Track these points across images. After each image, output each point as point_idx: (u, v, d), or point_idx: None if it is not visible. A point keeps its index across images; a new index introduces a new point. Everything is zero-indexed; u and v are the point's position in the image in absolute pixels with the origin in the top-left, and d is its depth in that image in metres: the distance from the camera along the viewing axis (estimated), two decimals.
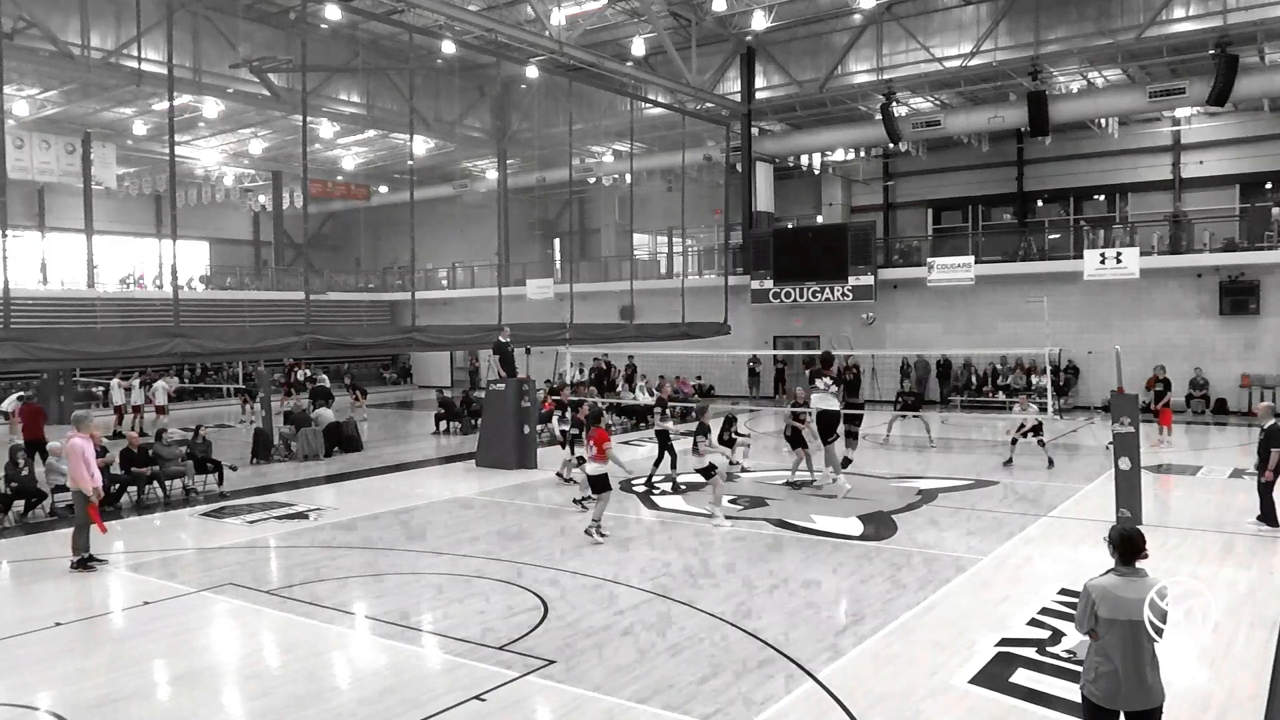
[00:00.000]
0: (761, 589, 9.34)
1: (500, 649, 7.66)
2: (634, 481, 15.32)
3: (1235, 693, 6.71)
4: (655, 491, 14.84)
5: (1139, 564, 4.77)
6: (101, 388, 29.27)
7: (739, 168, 31.78)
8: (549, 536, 11.94)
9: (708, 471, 12.73)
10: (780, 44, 30.68)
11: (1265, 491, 11.48)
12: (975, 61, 26.83)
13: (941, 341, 28.27)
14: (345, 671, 7.49)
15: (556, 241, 42.46)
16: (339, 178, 41.42)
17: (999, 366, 27.92)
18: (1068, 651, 7.29)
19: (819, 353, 15.46)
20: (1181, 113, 27.84)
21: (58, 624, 8.54)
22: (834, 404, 14.20)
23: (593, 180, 37.39)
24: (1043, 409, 17.52)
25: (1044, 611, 8.46)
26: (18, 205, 33.66)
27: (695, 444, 12.81)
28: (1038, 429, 16.92)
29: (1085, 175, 30.12)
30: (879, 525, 12.26)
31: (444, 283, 40.58)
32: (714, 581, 9.63)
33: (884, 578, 9.72)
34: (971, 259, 27.51)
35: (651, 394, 24.57)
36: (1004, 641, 7.69)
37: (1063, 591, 8.97)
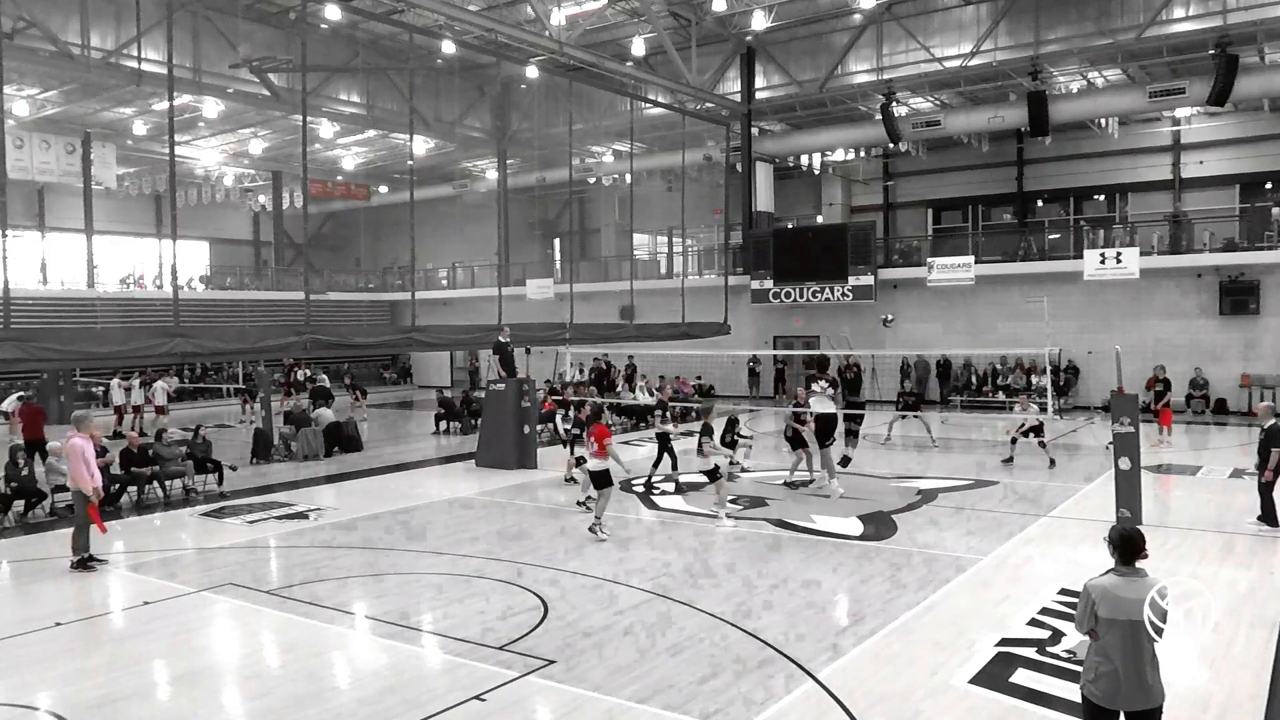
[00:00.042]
0: (761, 589, 9.34)
1: (500, 649, 7.66)
2: (634, 481, 15.32)
3: (1235, 693, 6.71)
4: (655, 492, 14.84)
5: (1139, 564, 4.77)
6: (101, 388, 29.27)
7: (739, 168, 31.79)
8: (549, 536, 11.94)
9: (713, 474, 12.75)
10: (780, 44, 30.69)
11: (1265, 491, 11.48)
12: (975, 61, 26.84)
13: (941, 341, 28.28)
14: (345, 671, 7.49)
15: (556, 241, 42.47)
16: (339, 178, 41.42)
17: (999, 366, 27.92)
18: (1068, 651, 7.29)
19: (816, 353, 15.47)
20: (1181, 113, 27.84)
21: (58, 624, 8.54)
22: (831, 406, 14.22)
23: (593, 180, 37.39)
24: (1043, 409, 17.53)
25: (1044, 611, 8.46)
26: (18, 205, 33.67)
27: (700, 445, 12.82)
28: (1038, 429, 16.93)
29: (1085, 175, 30.12)
30: (879, 525, 12.26)
31: (444, 283, 40.59)
32: (714, 581, 9.64)
33: (884, 578, 9.72)
34: (971, 259, 27.51)
35: (651, 394, 24.56)
36: (1004, 641, 7.70)
37: (1063, 591, 8.97)
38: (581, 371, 27.23)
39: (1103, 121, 28.22)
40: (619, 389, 26.63)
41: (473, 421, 22.52)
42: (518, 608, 8.81)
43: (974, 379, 28.44)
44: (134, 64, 23.76)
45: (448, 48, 24.38)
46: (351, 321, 39.15)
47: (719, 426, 13.61)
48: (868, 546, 11.16)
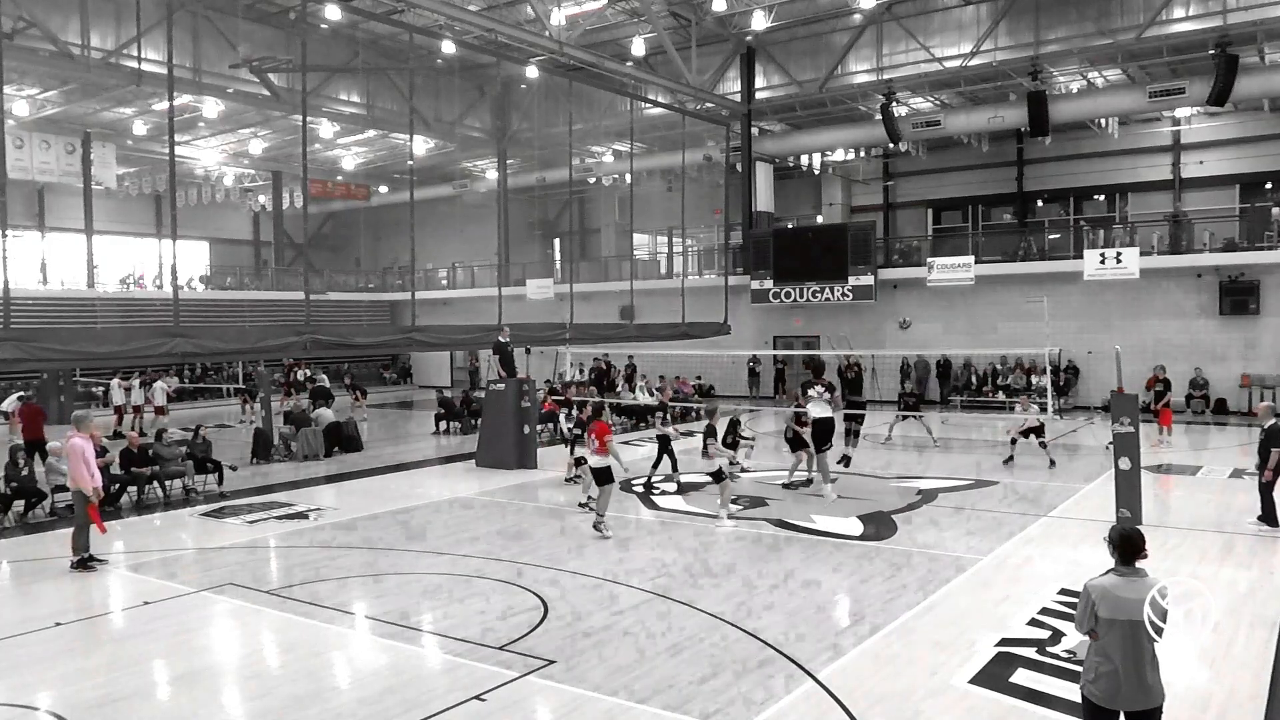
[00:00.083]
0: (761, 589, 9.34)
1: (500, 649, 7.66)
2: (634, 482, 15.32)
3: (1235, 693, 6.71)
4: (655, 492, 14.84)
5: (1139, 564, 4.77)
6: (101, 388, 29.27)
7: (739, 168, 31.78)
8: (549, 536, 11.94)
9: (718, 475, 12.77)
10: (780, 44, 30.69)
11: (1265, 491, 11.48)
12: (975, 61, 26.84)
13: (941, 341, 28.28)
14: (345, 671, 7.49)
15: (556, 241, 42.47)
16: (339, 178, 41.43)
17: (999, 366, 27.92)
18: (1068, 651, 7.29)
19: (814, 353, 15.48)
20: (1181, 113, 27.84)
21: (58, 624, 8.54)
22: (828, 411, 14.23)
23: (593, 180, 37.39)
24: (1043, 409, 17.53)
25: (1044, 611, 8.46)
26: (18, 205, 33.68)
27: (705, 446, 12.84)
28: (1039, 430, 16.93)
29: (1085, 175, 30.12)
30: (879, 525, 12.26)
31: (444, 283, 40.59)
32: (714, 581, 9.64)
33: (884, 578, 9.72)
34: (971, 259, 27.51)
35: (651, 394, 24.55)
36: (1004, 641, 7.70)
37: (1063, 591, 8.97)
38: (581, 371, 27.24)
39: (1103, 121, 28.22)
40: (619, 389, 26.64)
41: (473, 421, 22.51)
42: (518, 608, 8.81)
43: (974, 379, 28.44)
44: (134, 64, 23.75)
45: (448, 48, 24.38)
46: (351, 321, 39.15)
47: (722, 427, 13.63)
48: (868, 546, 11.16)
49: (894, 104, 28.42)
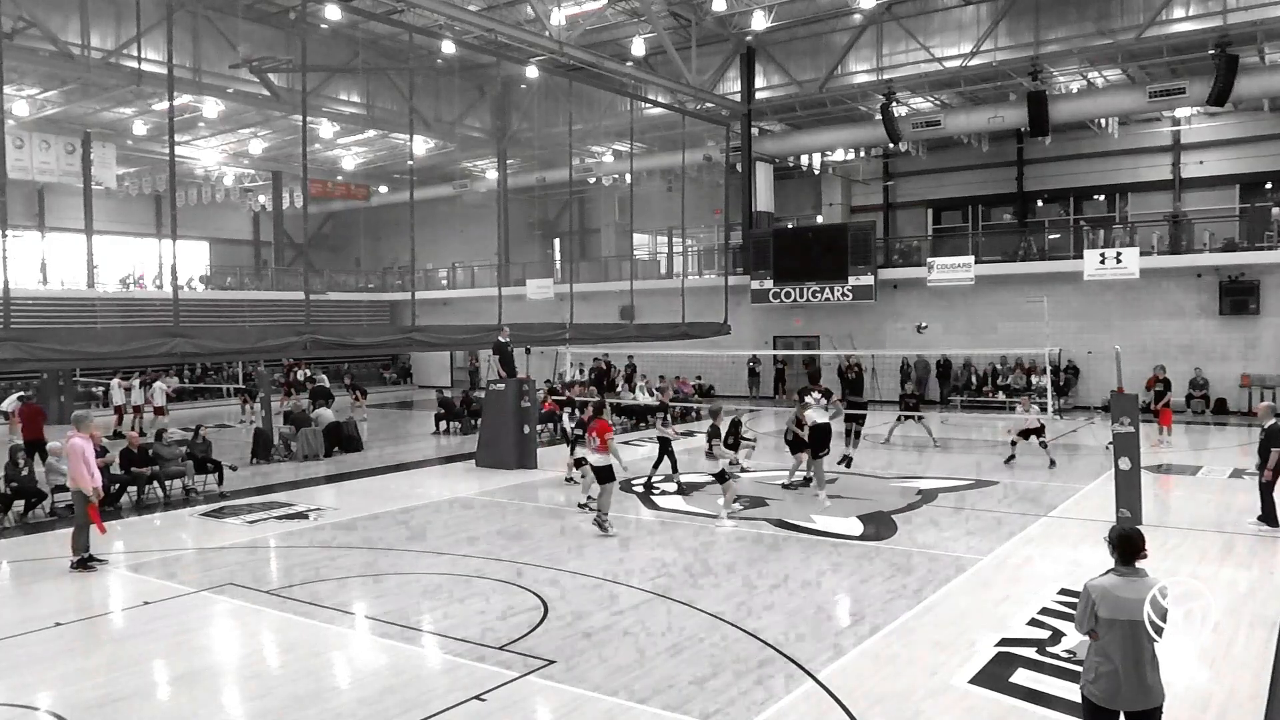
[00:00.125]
0: (761, 589, 9.34)
1: (500, 649, 7.66)
2: (633, 481, 15.32)
3: (1235, 693, 6.71)
4: (655, 492, 14.84)
5: (1138, 564, 4.77)
6: (101, 388, 29.27)
7: (739, 168, 31.78)
8: (549, 536, 11.95)
9: (722, 475, 12.78)
10: (780, 44, 30.69)
11: (1265, 491, 11.48)
12: (975, 61, 26.84)
13: (941, 341, 28.27)
14: (345, 671, 7.49)
15: (556, 241, 42.47)
16: (339, 178, 41.42)
17: (999, 366, 27.92)
18: (1068, 651, 7.29)
19: (814, 353, 15.47)
20: (1181, 113, 27.84)
21: (58, 624, 8.54)
22: (825, 417, 14.24)
23: (593, 180, 37.39)
24: (1043, 409, 17.54)
25: (1044, 611, 8.46)
26: (18, 205, 33.67)
27: (710, 447, 12.85)
28: (1039, 430, 16.93)
29: (1085, 175, 30.12)
30: (879, 525, 12.26)
31: (444, 283, 40.59)
32: (714, 581, 9.64)
33: (884, 578, 9.72)
34: (971, 259, 27.51)
35: (651, 394, 24.54)
36: (1004, 641, 7.70)
37: (1063, 591, 8.97)
38: (581, 371, 27.24)
39: (1103, 121, 28.22)
40: (619, 389, 26.64)
41: (473, 421, 22.51)
42: (518, 608, 8.81)
43: (974, 379, 28.44)
44: (134, 64, 23.76)
45: (448, 48, 24.37)
46: (351, 321, 39.15)
47: (725, 428, 13.64)
48: (868, 546, 11.16)
49: (894, 104, 28.42)
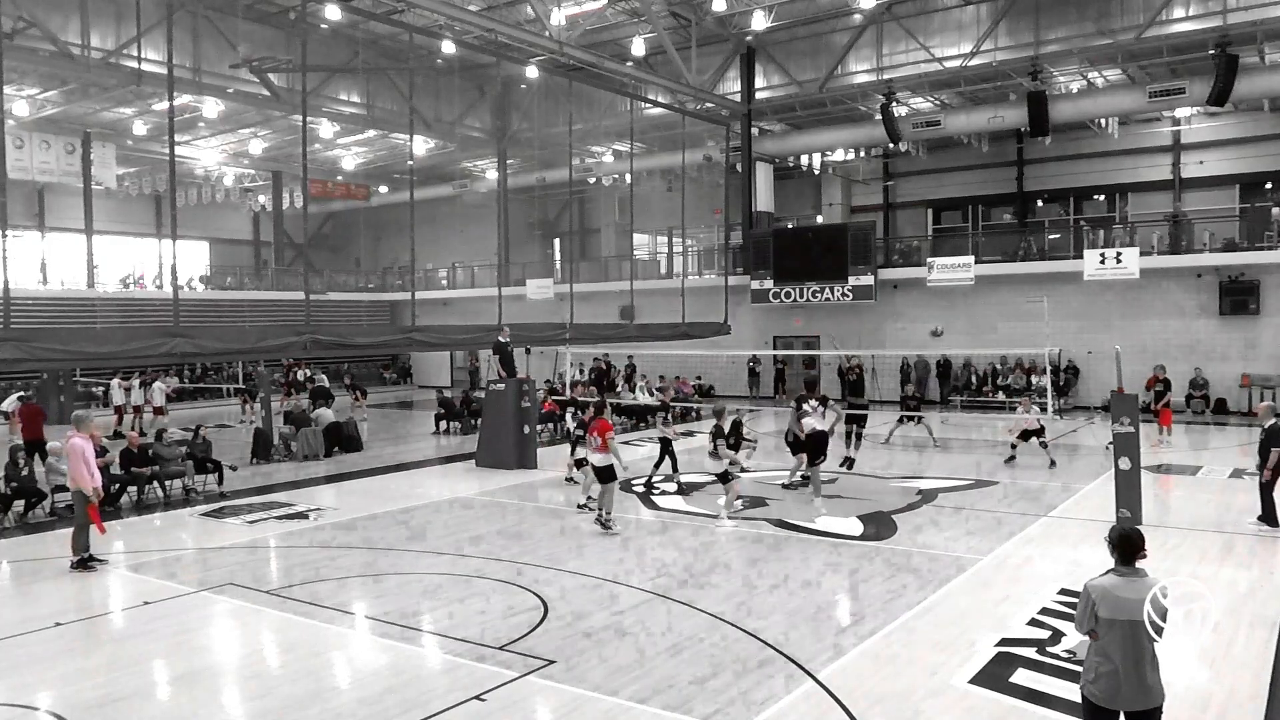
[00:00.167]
0: (761, 589, 9.34)
1: (500, 649, 7.66)
2: (634, 481, 15.32)
3: (1235, 693, 6.71)
4: (655, 492, 14.84)
5: (1138, 564, 4.77)
6: (101, 388, 29.27)
7: (739, 168, 31.78)
8: (549, 536, 11.95)
9: (725, 476, 12.78)
10: (780, 44, 30.69)
11: (1265, 491, 11.47)
12: (975, 61, 26.84)
13: (941, 341, 28.27)
14: (345, 671, 7.49)
15: (556, 241, 42.47)
16: (339, 178, 41.42)
17: (999, 366, 27.92)
18: (1068, 651, 7.29)
19: (814, 353, 15.42)
20: (1181, 113, 27.83)
21: (58, 624, 8.54)
22: (823, 424, 14.25)
23: (593, 180, 37.39)
24: (1043, 409, 17.54)
25: (1044, 611, 8.46)
26: (18, 205, 33.67)
27: (715, 447, 12.86)
28: (1039, 432, 16.93)
29: (1085, 175, 30.12)
30: (879, 525, 12.26)
31: (444, 283, 40.59)
32: (714, 581, 9.64)
33: (884, 578, 9.72)
34: (971, 259, 27.51)
35: (651, 394, 24.52)
36: (1004, 641, 7.70)
37: (1063, 591, 8.97)
38: (581, 371, 27.24)
39: (1103, 121, 28.21)
40: (619, 389, 26.64)
41: (473, 421, 22.51)
42: (518, 608, 8.81)
43: (974, 379, 28.44)
44: (134, 64, 23.76)
45: (448, 48, 24.37)
46: (351, 321, 39.16)
47: (727, 428, 13.65)
48: (868, 546, 11.16)
49: (894, 104, 28.42)
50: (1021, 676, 6.95)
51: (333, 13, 24.45)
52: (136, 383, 24.90)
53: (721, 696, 6.63)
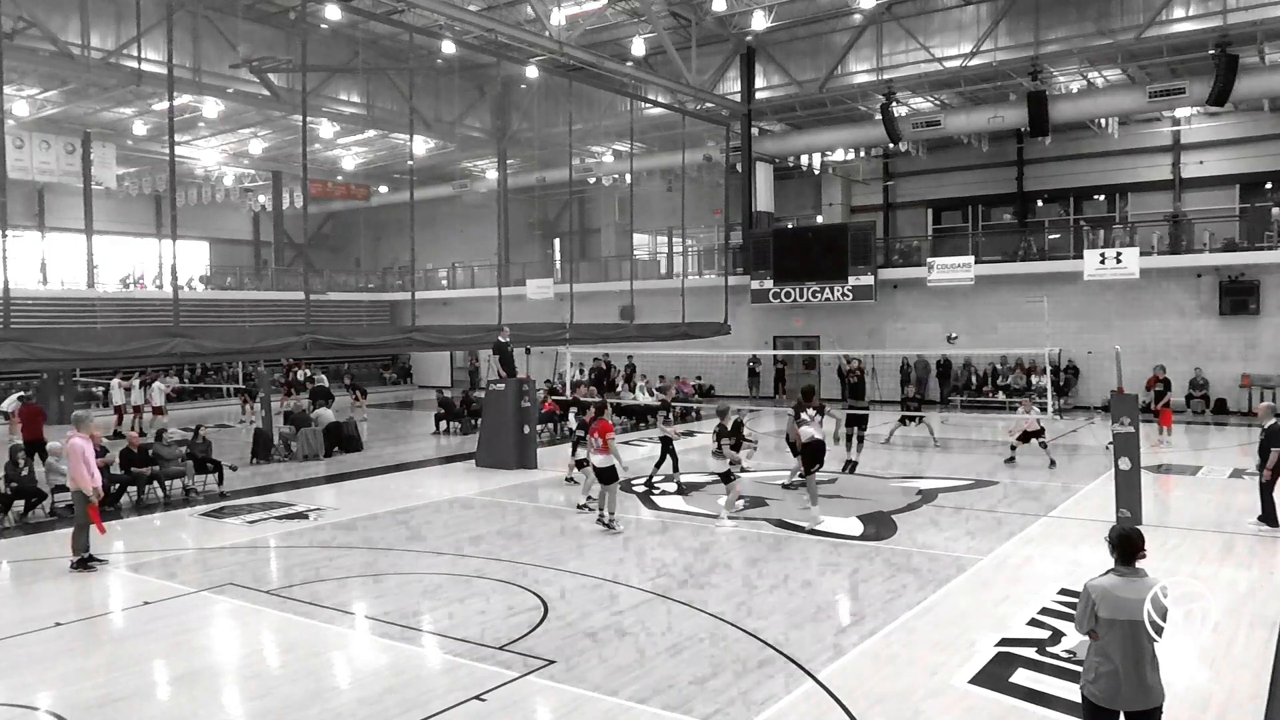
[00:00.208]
0: (761, 589, 9.34)
1: (500, 649, 7.66)
2: (634, 481, 15.32)
3: (1235, 693, 6.71)
4: (655, 492, 14.84)
5: (1138, 564, 4.77)
6: (101, 388, 29.27)
7: (739, 168, 31.78)
8: (549, 536, 11.95)
9: (727, 476, 12.78)
10: (780, 44, 30.69)
11: (1265, 491, 11.47)
12: (975, 61, 26.84)
13: (941, 341, 28.24)
14: (345, 671, 7.49)
15: (556, 241, 42.47)
16: (339, 178, 41.41)
17: (999, 366, 27.92)
18: (1068, 651, 7.29)
19: (814, 353, 15.38)
20: (1181, 113, 27.83)
21: (58, 624, 8.54)
22: (820, 433, 14.22)
23: (593, 180, 37.39)
24: (1043, 409, 17.53)
25: (1044, 611, 8.46)
26: (18, 205, 33.65)
27: (720, 447, 12.88)
28: (1039, 433, 16.93)
29: (1085, 175, 30.12)
30: (879, 525, 12.26)
31: (444, 283, 40.59)
32: (714, 581, 9.64)
33: (884, 578, 9.72)
34: (971, 259, 27.51)
35: (651, 394, 24.52)
36: (1004, 641, 7.70)
37: (1063, 591, 8.97)
38: (581, 371, 27.24)
39: (1103, 121, 28.21)
40: (619, 389, 26.64)
41: (473, 421, 22.51)
42: (518, 608, 8.81)
43: (974, 379, 28.44)
44: (134, 64, 23.76)
45: (448, 48, 24.37)
46: (351, 321, 39.15)
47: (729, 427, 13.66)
48: (868, 546, 11.16)
49: (894, 104, 28.42)
50: (1021, 676, 6.95)
51: (333, 13, 24.45)
52: (136, 383, 24.89)
53: (721, 696, 6.63)
